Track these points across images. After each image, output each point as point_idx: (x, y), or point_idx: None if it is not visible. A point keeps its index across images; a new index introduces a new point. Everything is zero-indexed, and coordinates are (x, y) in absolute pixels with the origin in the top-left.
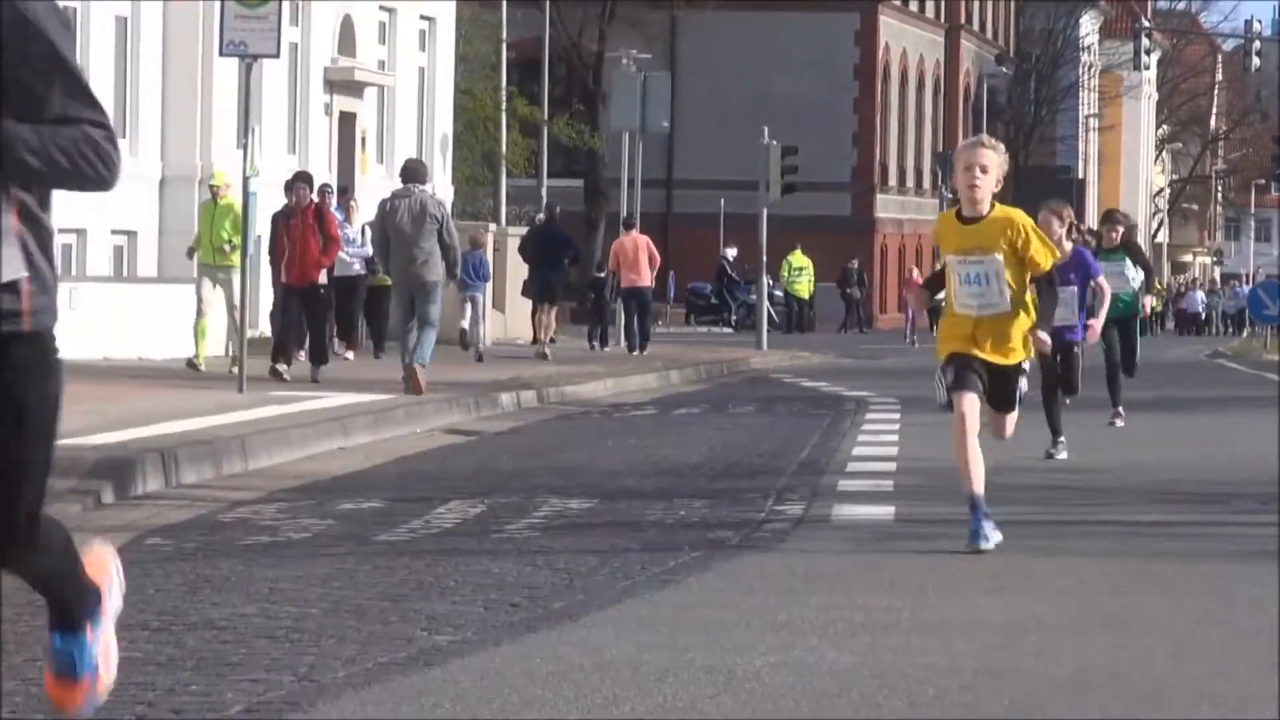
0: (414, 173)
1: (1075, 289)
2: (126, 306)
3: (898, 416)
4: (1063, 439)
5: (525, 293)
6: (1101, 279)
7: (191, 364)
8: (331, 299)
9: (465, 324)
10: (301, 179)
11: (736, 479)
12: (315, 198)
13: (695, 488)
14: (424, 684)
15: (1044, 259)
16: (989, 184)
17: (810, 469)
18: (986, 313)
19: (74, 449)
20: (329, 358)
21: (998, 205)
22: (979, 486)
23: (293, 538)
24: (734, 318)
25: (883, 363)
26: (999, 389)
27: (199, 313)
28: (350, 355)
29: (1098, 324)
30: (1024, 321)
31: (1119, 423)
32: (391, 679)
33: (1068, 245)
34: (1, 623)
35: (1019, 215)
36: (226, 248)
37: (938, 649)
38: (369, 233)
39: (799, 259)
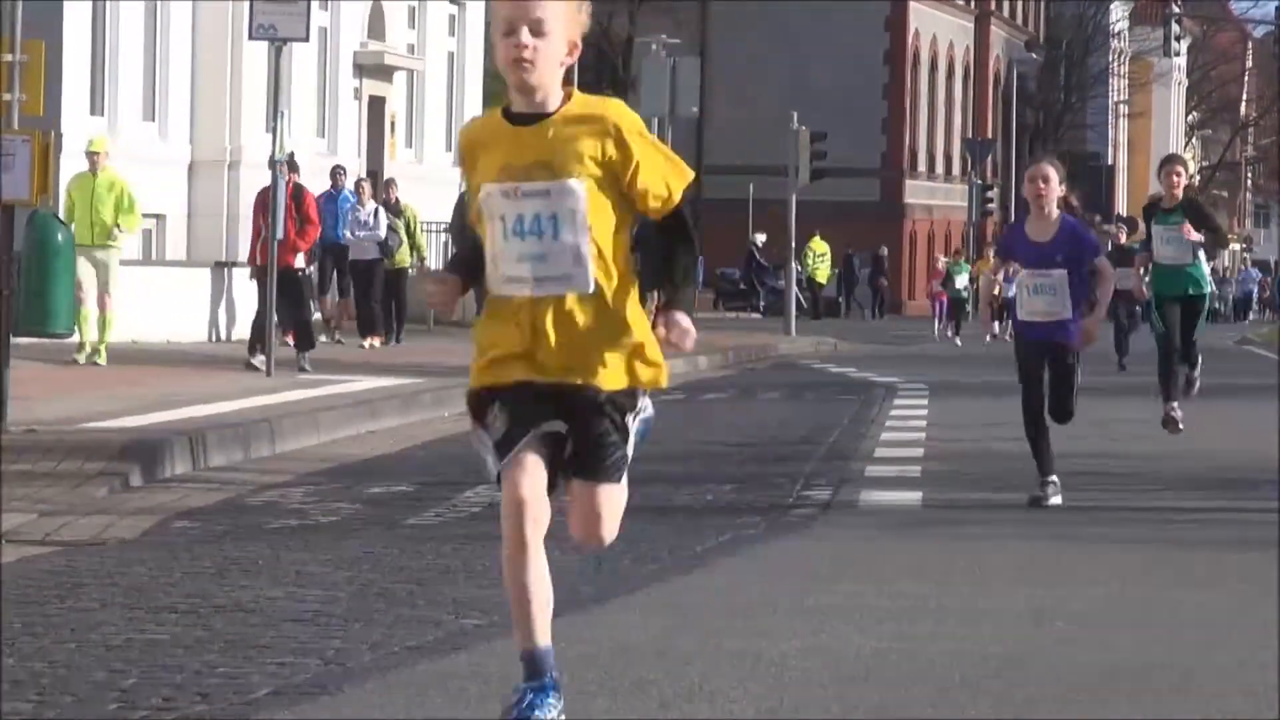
0: None
1: (1064, 272)
2: (155, 289)
3: (926, 402)
4: (1054, 479)
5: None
6: (1103, 261)
7: (94, 350)
8: (313, 284)
9: None
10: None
11: (764, 464)
12: (352, 184)
13: (723, 473)
14: (451, 668)
15: (668, 186)
16: (551, 53)
17: (838, 454)
18: (549, 291)
19: (102, 432)
20: (314, 342)
21: (579, 95)
22: (543, 636)
23: (320, 521)
24: (762, 303)
25: (911, 349)
26: (584, 438)
27: (78, 300)
28: (376, 343)
29: (1094, 321)
30: (632, 311)
31: (1180, 423)
32: (418, 663)
33: (1054, 213)
34: (1, 623)
35: (618, 110)
36: (117, 231)
37: (965, 635)
38: (383, 216)
39: (820, 245)
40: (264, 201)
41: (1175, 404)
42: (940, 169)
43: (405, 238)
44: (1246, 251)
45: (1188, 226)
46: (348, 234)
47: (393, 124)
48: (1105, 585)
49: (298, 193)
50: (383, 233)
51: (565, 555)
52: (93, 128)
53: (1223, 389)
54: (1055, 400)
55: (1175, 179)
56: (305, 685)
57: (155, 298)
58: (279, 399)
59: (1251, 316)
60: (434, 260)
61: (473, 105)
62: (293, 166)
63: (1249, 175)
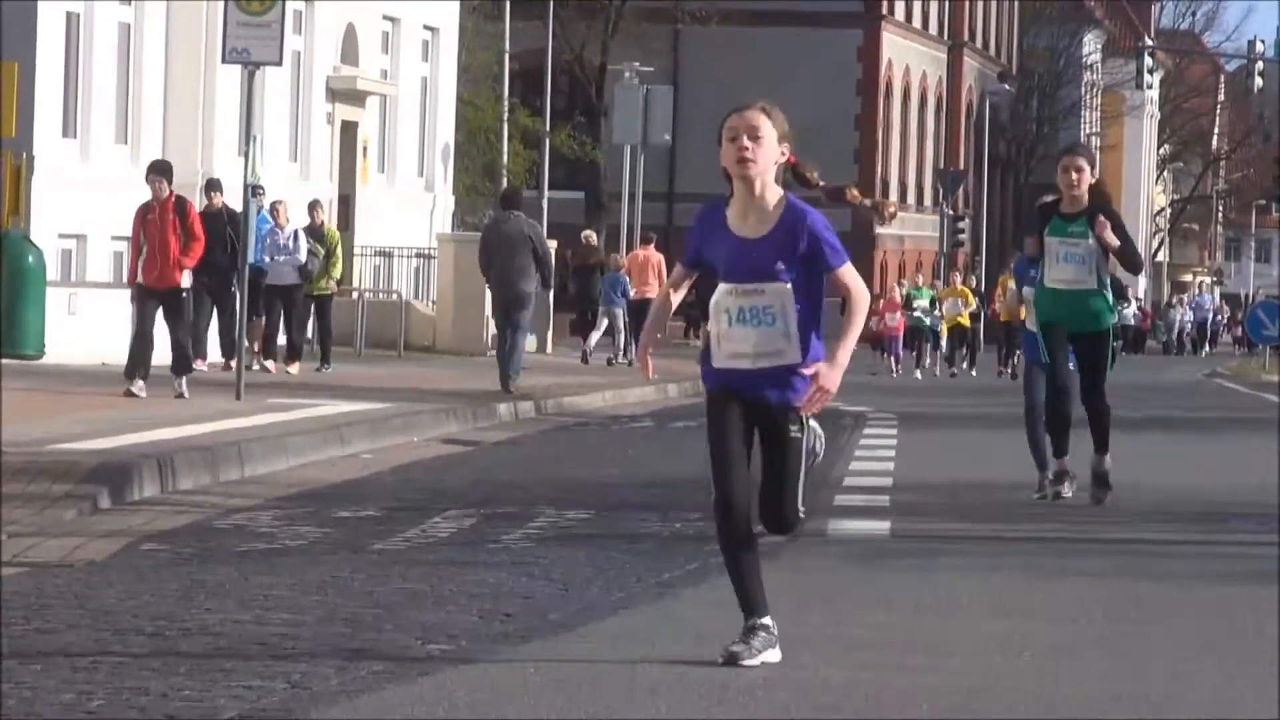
0: (510, 198)
1: (784, 288)
2: (125, 312)
3: (895, 432)
4: (768, 623)
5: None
6: (845, 271)
7: None
8: (190, 304)
9: (596, 336)
10: (156, 170)
11: None
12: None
13: (692, 500)
14: (417, 693)
15: None
16: None
17: (806, 484)
18: None
19: (71, 454)
20: (191, 367)
21: None
22: None
23: (288, 545)
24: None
25: (881, 379)
26: None
27: None
28: (271, 367)
29: (835, 368)
30: None
31: (1066, 490)
32: (384, 688)
33: (771, 193)
34: (1, 626)
35: None
36: None
37: (932, 667)
38: (302, 239)
39: None
40: (143, 218)
41: (1063, 467)
42: (912, 199)
43: (325, 261)
44: (1217, 284)
45: (1103, 222)
46: (266, 258)
47: (365, 149)
48: (1073, 617)
49: (180, 206)
50: (303, 256)
51: (533, 580)
52: (65, 150)
53: (1189, 422)
54: (769, 498)
55: (1075, 175)
56: (271, 709)
57: (126, 321)
58: (248, 422)
59: (1205, 351)
60: (406, 287)
61: (445, 130)
62: (214, 186)
63: (1220, 208)
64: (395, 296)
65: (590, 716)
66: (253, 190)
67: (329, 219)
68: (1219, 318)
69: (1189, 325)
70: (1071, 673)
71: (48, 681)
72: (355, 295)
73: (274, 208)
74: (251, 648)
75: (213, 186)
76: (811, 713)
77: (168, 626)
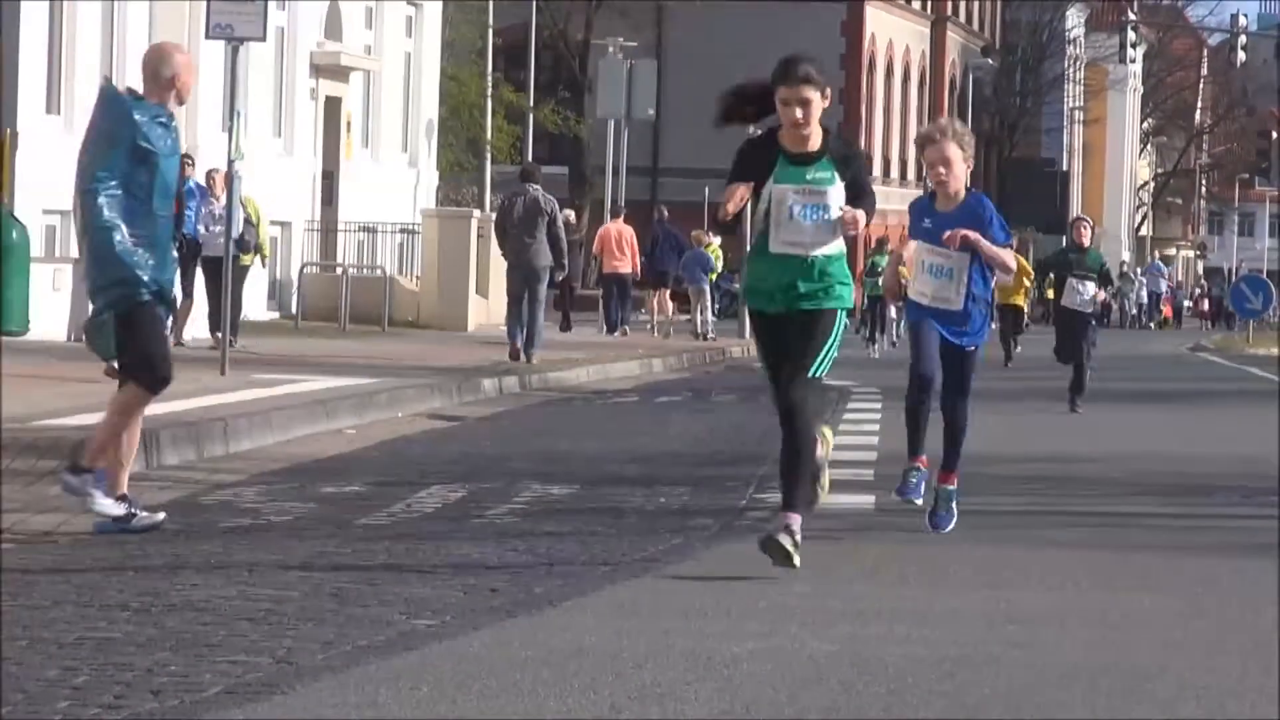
0: (529, 174)
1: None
2: None
3: (879, 406)
4: None
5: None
6: None
7: None
8: None
9: (704, 314)
10: None
11: (718, 466)
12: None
13: (676, 475)
14: (402, 667)
15: None
16: None
17: None
18: None
19: (56, 429)
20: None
21: None
22: None
23: (273, 520)
24: (717, 306)
25: (864, 353)
26: None
27: None
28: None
29: None
30: None
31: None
32: (370, 662)
33: None
34: (1, 618)
35: None
36: None
37: (918, 638)
38: (238, 209)
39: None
40: None
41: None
42: (895, 173)
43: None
44: (1200, 258)
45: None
46: (200, 228)
47: (349, 124)
48: (1058, 588)
49: None
50: (239, 227)
51: (518, 555)
52: (49, 126)
53: (1173, 394)
54: None
55: (800, 112)
56: (257, 684)
57: None
58: (233, 398)
59: (1154, 324)
60: (390, 263)
61: (429, 106)
62: None
63: (1204, 182)
64: (379, 272)
65: (575, 690)
66: (186, 158)
67: (313, 195)
68: (1198, 289)
69: (1144, 297)
70: (1056, 643)
71: (33, 657)
72: (339, 270)
73: (209, 176)
74: (237, 623)
75: None
76: (796, 684)
77: (153, 602)
